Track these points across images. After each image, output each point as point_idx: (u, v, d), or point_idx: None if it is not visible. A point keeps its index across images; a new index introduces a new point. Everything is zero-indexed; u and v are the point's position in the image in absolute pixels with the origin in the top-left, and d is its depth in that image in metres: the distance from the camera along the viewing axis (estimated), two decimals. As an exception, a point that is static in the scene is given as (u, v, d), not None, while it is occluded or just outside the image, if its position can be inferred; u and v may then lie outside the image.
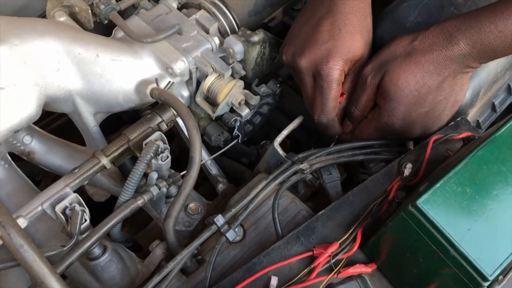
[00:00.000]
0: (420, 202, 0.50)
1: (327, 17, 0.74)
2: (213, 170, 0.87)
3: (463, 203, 0.50)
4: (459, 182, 0.51)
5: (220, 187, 0.84)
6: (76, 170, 0.69)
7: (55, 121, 1.06)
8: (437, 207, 0.49)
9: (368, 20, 0.76)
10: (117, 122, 1.03)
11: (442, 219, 0.49)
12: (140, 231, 0.98)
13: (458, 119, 0.74)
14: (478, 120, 0.88)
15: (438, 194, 0.50)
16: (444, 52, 0.68)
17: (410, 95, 0.70)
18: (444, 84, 0.70)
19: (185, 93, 0.82)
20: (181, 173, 0.75)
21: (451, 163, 0.56)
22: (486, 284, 0.48)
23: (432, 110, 0.72)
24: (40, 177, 1.04)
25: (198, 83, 0.80)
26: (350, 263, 0.61)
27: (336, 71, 0.71)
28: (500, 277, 0.60)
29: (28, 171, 0.84)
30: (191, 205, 0.77)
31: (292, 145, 0.98)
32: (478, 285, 0.48)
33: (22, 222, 0.64)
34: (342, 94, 0.77)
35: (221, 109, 0.80)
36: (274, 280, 0.59)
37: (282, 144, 0.77)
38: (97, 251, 0.69)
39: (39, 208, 0.66)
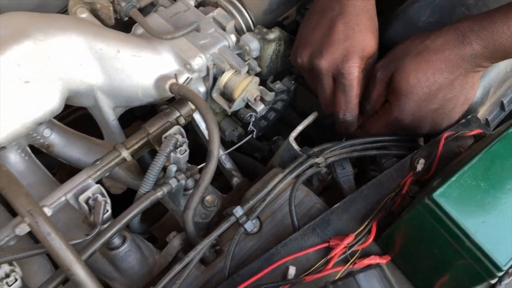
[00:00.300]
0: (436, 195, 0.51)
1: (339, 18, 0.76)
2: (228, 164, 0.89)
3: (477, 197, 0.52)
4: (474, 177, 0.53)
5: (235, 180, 0.86)
6: (97, 162, 0.71)
7: (69, 116, 1.08)
8: (452, 200, 0.51)
9: (375, 20, 0.79)
10: (130, 117, 1.05)
11: (458, 212, 0.51)
12: (153, 224, 1.00)
13: (469, 116, 0.76)
14: (487, 118, 0.89)
15: (453, 187, 0.52)
16: (456, 51, 0.69)
17: (420, 92, 0.71)
18: (455, 83, 0.72)
19: (202, 88, 0.83)
20: (199, 167, 0.77)
21: (464, 158, 0.58)
22: (500, 274, 0.50)
23: (442, 107, 0.74)
24: (55, 170, 1.06)
25: (215, 79, 0.82)
26: (364, 254, 0.63)
27: (356, 68, 0.74)
28: (511, 270, 0.62)
29: (43, 164, 0.86)
30: (208, 197, 0.79)
31: (302, 141, 0.99)
32: (492, 275, 0.50)
33: (46, 212, 0.66)
34: None
35: (237, 105, 0.82)
36: (292, 270, 0.61)
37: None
38: (117, 241, 0.71)
39: (63, 198, 0.68)
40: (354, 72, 0.74)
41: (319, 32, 0.77)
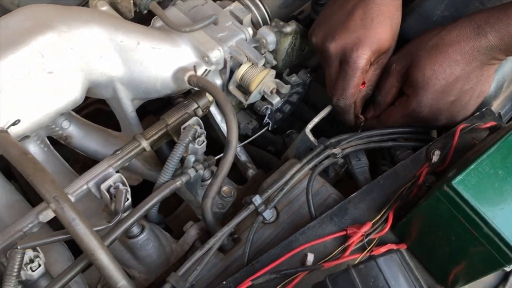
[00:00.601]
0: (455, 182, 0.53)
1: (360, 5, 0.76)
2: (243, 156, 0.90)
3: (495, 184, 0.53)
4: (492, 165, 0.54)
5: (250, 172, 0.87)
6: (118, 152, 0.73)
7: (83, 110, 1.09)
8: (471, 187, 0.53)
9: (398, 14, 0.79)
10: (142, 112, 1.07)
11: (476, 199, 0.52)
12: (168, 216, 1.02)
13: (483, 109, 0.77)
14: (500, 113, 0.90)
15: (471, 175, 0.53)
16: (471, 43, 0.70)
17: (437, 84, 0.72)
18: (471, 75, 0.73)
19: (218, 81, 0.85)
20: (216, 157, 0.78)
21: (480, 149, 0.59)
22: (517, 259, 0.51)
23: (459, 99, 0.75)
24: (70, 163, 1.08)
25: (231, 72, 0.84)
26: (381, 243, 0.64)
27: (363, 59, 0.74)
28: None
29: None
30: (225, 188, 0.81)
31: (313, 135, 1.00)
32: (509, 260, 0.51)
33: (69, 199, 0.67)
34: (363, 83, 0.80)
35: (253, 97, 0.84)
36: (310, 257, 0.62)
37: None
38: (136, 229, 0.73)
39: (85, 187, 0.69)
40: (359, 62, 0.74)
41: (338, 16, 0.78)
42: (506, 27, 0.68)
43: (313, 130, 0.98)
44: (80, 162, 1.04)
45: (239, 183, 0.88)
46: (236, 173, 0.95)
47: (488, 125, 0.72)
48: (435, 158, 0.69)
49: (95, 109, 1.10)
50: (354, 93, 0.78)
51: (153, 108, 1.08)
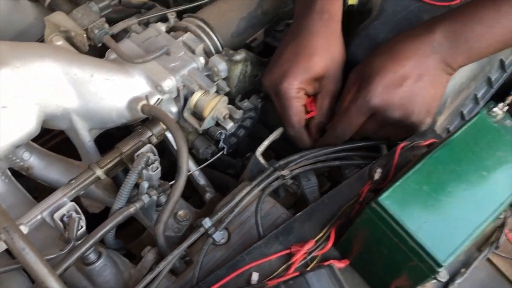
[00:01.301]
0: (381, 198, 0.56)
1: (291, 41, 0.82)
2: (201, 180, 0.93)
3: (420, 199, 0.56)
4: (417, 181, 0.57)
5: (208, 195, 0.90)
6: (72, 181, 0.75)
7: (50, 141, 1.11)
8: (396, 203, 0.55)
9: (333, 41, 0.82)
10: (110, 140, 1.09)
11: (401, 214, 0.55)
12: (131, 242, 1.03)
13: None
14: (448, 128, 0.94)
15: (397, 191, 0.56)
16: (420, 38, 0.74)
17: (388, 75, 0.74)
18: (423, 74, 0.74)
19: (174, 109, 0.88)
20: (170, 183, 0.81)
21: (411, 165, 0.62)
22: (441, 269, 0.53)
23: (411, 92, 0.74)
24: (37, 194, 1.09)
25: (186, 99, 0.87)
26: (324, 259, 0.66)
27: (291, 90, 0.79)
28: (462, 269, 0.66)
29: (24, 187, 0.89)
30: (180, 212, 0.83)
31: (276, 157, 1.03)
32: (433, 271, 0.54)
33: (23, 229, 0.69)
34: (311, 111, 0.84)
35: (207, 123, 0.87)
36: (255, 276, 0.64)
37: (267, 157, 0.84)
38: (92, 256, 0.74)
39: (39, 217, 0.71)
40: (288, 92, 0.79)
41: (276, 54, 0.84)
42: (453, 24, 0.73)
43: (276, 154, 1.02)
44: (47, 193, 1.05)
45: (201, 207, 0.90)
46: (199, 198, 0.97)
47: (428, 142, 0.75)
48: (376, 176, 0.72)
49: (64, 138, 1.12)
50: (297, 120, 0.82)
51: (121, 136, 1.10)
